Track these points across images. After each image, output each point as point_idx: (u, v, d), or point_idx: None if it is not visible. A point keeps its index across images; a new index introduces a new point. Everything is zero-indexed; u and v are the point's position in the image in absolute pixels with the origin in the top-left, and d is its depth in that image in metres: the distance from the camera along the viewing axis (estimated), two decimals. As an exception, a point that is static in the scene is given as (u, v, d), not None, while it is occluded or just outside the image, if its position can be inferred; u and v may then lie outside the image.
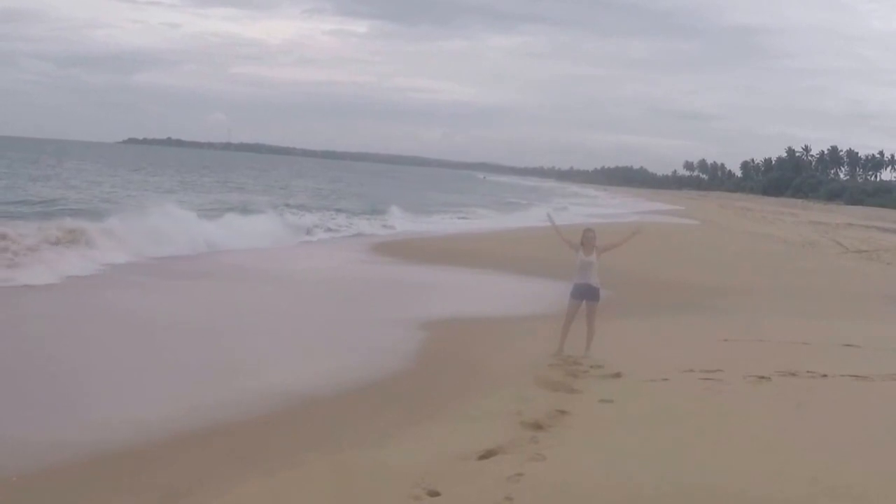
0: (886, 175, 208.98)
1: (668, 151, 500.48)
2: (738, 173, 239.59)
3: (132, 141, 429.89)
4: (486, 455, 8.24)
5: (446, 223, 50.77)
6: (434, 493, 7.22)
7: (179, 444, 9.10)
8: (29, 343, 13.41)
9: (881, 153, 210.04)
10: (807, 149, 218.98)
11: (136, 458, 8.62)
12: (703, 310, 19.50)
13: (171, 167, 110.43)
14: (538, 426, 9.20)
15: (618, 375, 11.84)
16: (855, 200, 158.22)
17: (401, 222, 46.39)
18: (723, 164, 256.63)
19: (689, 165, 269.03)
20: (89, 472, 8.22)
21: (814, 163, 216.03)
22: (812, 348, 14.37)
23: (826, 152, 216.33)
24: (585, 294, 13.92)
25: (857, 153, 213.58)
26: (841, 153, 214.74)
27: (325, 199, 60.89)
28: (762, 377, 11.59)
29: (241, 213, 38.97)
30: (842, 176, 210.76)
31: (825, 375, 11.88)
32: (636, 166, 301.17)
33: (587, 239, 14.04)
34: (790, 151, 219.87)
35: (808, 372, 12.03)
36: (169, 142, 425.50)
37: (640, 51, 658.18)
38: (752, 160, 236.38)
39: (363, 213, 48.83)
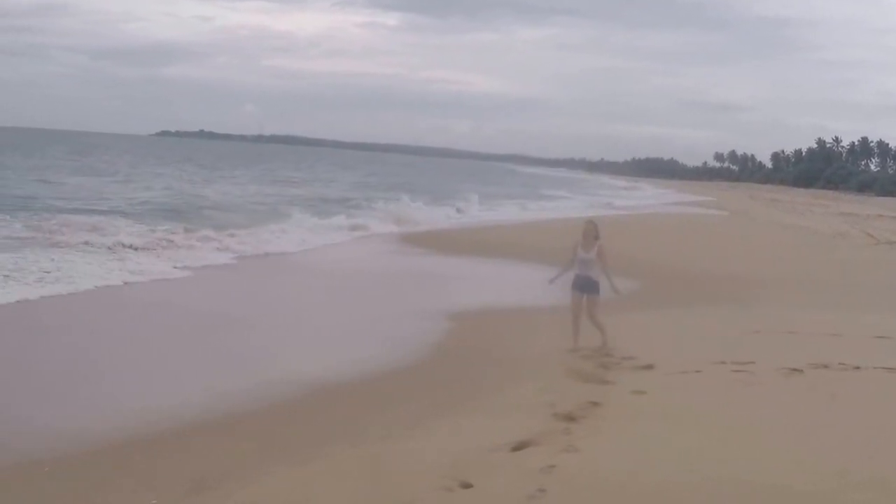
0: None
1: (698, 143, 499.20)
2: (769, 164, 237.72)
3: (165, 133, 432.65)
4: (519, 447, 8.23)
5: (508, 213, 51.73)
6: (466, 485, 7.21)
7: (207, 434, 9.19)
8: (71, 336, 13.65)
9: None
10: (837, 140, 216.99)
11: (164, 447, 8.71)
12: (733, 301, 19.36)
13: (221, 161, 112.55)
14: (571, 418, 9.18)
15: (650, 367, 11.80)
16: (886, 192, 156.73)
17: (472, 214, 48.53)
18: (753, 156, 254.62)
19: (719, 157, 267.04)
20: (117, 460, 8.31)
21: (844, 154, 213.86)
22: (844, 340, 14.24)
23: (857, 143, 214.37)
24: (584, 287, 13.60)
25: (888, 144, 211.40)
26: (871, 144, 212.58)
27: (382, 191, 61.70)
28: (794, 369, 11.50)
29: (319, 210, 40.28)
30: (872, 167, 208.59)
31: (858, 367, 11.76)
32: (666, 157, 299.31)
33: (587, 232, 13.75)
34: (820, 143, 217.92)
35: (840, 364, 11.92)
36: (201, 134, 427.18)
37: (669, 43, 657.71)
38: (783, 151, 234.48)
39: (431, 203, 51.01)
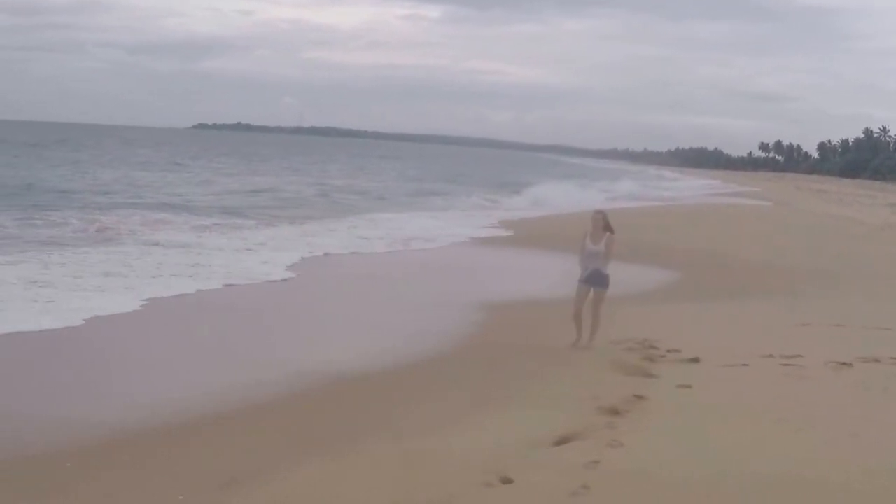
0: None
1: (742, 132, 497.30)
2: (815, 155, 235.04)
3: (202, 126, 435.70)
4: (561, 441, 8.09)
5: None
6: (507, 481, 7.08)
7: (235, 426, 9.09)
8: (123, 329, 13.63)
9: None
10: (884, 129, 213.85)
11: (191, 440, 8.63)
12: (779, 293, 19.09)
13: (272, 153, 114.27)
14: (615, 411, 9.02)
15: (695, 360, 11.58)
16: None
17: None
18: (798, 146, 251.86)
19: (764, 147, 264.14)
20: (141, 455, 8.22)
21: (892, 144, 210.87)
22: (894, 334, 13.97)
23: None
24: (592, 281, 13.00)
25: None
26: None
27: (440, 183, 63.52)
28: (844, 363, 11.28)
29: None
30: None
31: (910, 362, 11.53)
32: (710, 147, 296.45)
33: (596, 222, 13.10)
34: (867, 132, 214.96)
35: (891, 358, 11.69)
36: (238, 126, 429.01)
37: (714, 32, 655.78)
38: (829, 141, 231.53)
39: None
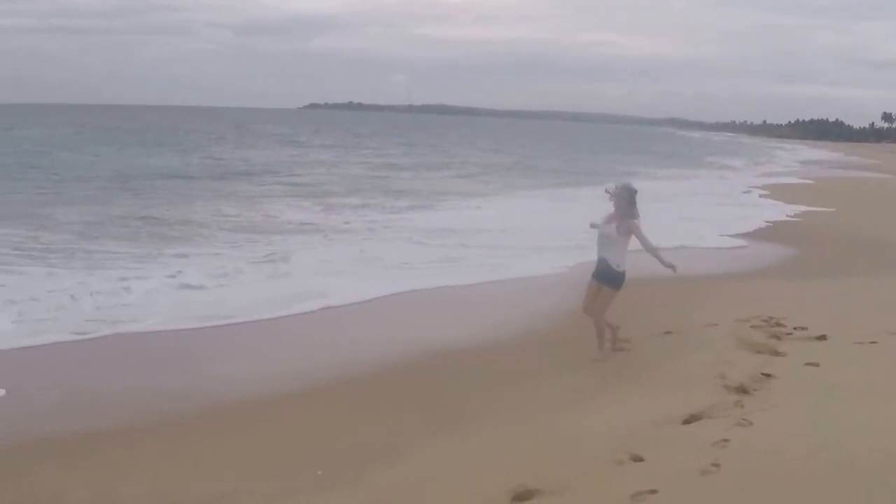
0: None
1: (864, 102, 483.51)
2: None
3: (313, 106, 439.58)
4: (690, 420, 8.09)
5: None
6: (637, 459, 7.12)
7: (369, 407, 9.30)
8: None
9: None
10: None
11: (326, 422, 8.83)
12: (905, 270, 18.63)
13: (400, 132, 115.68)
14: (743, 390, 8.94)
15: (823, 338, 11.37)
16: None
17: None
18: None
19: (887, 117, 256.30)
20: (280, 430, 8.57)
21: None
22: None
23: None
24: (600, 276, 11.11)
25: None
26: None
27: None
28: (978, 341, 10.98)
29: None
30: None
31: None
32: (831, 119, 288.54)
33: (619, 198, 10.77)
34: None
35: None
36: (350, 105, 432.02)
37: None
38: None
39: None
